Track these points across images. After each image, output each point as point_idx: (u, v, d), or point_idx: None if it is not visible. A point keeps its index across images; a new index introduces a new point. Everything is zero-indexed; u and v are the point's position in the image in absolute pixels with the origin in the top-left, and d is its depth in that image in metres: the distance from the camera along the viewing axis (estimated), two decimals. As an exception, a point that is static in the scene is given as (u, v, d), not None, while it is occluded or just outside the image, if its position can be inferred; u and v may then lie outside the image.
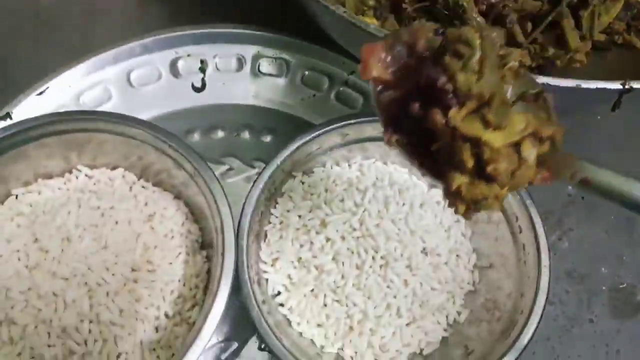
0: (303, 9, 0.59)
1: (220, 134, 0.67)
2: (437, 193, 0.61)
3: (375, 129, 0.58)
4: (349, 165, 0.61)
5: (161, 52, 0.68)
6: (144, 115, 0.66)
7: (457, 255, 0.58)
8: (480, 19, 0.60)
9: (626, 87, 0.48)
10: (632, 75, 0.65)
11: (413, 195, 0.59)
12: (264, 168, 0.54)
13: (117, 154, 0.55)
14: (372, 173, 0.60)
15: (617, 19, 0.69)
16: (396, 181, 0.60)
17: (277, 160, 0.54)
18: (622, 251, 0.65)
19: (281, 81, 0.70)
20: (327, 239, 0.55)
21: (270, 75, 0.70)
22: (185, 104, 0.68)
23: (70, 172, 0.55)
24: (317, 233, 0.55)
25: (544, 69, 0.67)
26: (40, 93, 0.62)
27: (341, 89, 0.69)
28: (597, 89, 0.48)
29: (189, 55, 0.69)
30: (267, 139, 0.67)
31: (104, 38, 0.74)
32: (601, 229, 0.67)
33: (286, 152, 0.54)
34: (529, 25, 0.67)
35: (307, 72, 0.69)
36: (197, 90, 0.68)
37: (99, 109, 0.65)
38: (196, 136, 0.67)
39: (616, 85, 0.48)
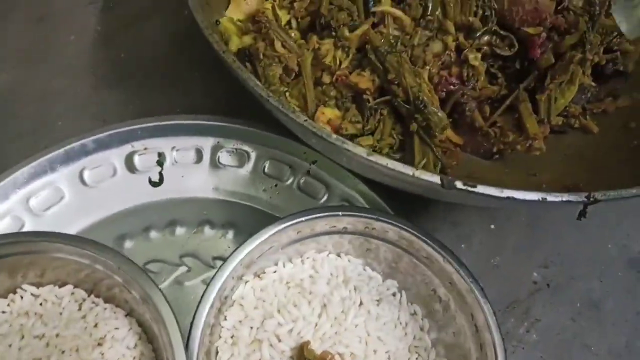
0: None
1: (179, 230, 0.65)
2: (392, 284, 0.60)
3: (328, 223, 0.57)
4: (302, 262, 0.59)
5: (116, 147, 0.66)
6: (99, 214, 0.64)
7: (418, 355, 0.57)
8: (440, 114, 0.59)
9: (591, 199, 0.47)
10: (590, 162, 0.66)
11: (369, 291, 0.58)
12: (213, 277, 0.51)
13: (66, 271, 0.52)
14: (326, 269, 0.59)
15: (573, 102, 0.70)
16: (351, 276, 0.58)
17: (227, 269, 0.52)
18: (589, 340, 0.65)
19: (242, 172, 0.68)
20: (282, 352, 0.53)
21: (230, 166, 0.68)
22: (142, 200, 0.66)
23: (15, 292, 0.52)
24: (271, 346, 0.53)
25: (503, 152, 0.67)
26: (-14, 199, 0.59)
27: (303, 179, 0.68)
28: (562, 201, 0.47)
29: (145, 149, 0.67)
30: (229, 234, 0.65)
31: (58, 126, 0.72)
32: (568, 316, 0.66)
33: (237, 258, 0.52)
34: (487, 109, 0.68)
35: (268, 162, 0.68)
36: (155, 184, 0.67)
37: (50, 211, 0.62)
38: (154, 233, 0.65)
39: (581, 198, 0.48)
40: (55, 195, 0.63)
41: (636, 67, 0.68)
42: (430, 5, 0.65)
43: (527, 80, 0.66)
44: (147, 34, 0.82)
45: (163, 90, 0.75)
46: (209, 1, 0.65)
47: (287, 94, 0.60)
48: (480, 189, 0.47)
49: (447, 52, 0.67)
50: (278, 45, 0.59)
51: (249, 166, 0.68)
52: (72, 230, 0.62)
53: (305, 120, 0.49)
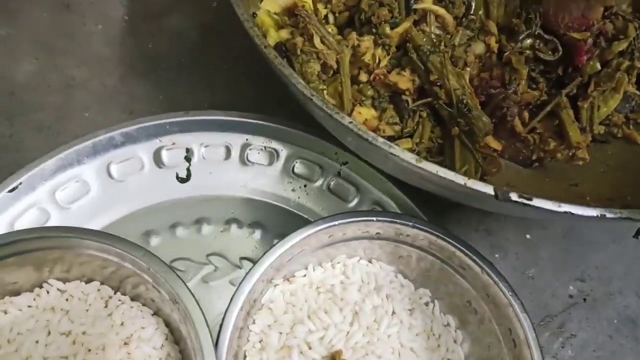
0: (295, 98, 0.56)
1: (206, 228, 0.63)
2: (425, 293, 0.58)
3: (360, 228, 0.55)
4: (332, 266, 0.57)
5: (144, 141, 0.64)
6: (126, 209, 0.63)
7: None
8: (485, 118, 0.57)
9: None
10: (635, 174, 0.63)
11: (402, 300, 0.56)
12: (243, 280, 0.50)
13: (93, 267, 0.50)
14: (357, 275, 0.57)
15: (616, 110, 0.67)
16: (383, 284, 0.56)
17: (258, 272, 0.50)
18: (627, 358, 0.62)
19: (271, 171, 0.66)
20: (313, 360, 0.51)
21: (259, 164, 0.66)
22: (169, 196, 0.64)
23: (41, 286, 0.51)
24: (302, 353, 0.51)
25: (543, 161, 0.64)
26: (12, 189, 0.58)
27: (333, 180, 0.66)
28: (621, 218, 0.45)
29: (173, 144, 0.65)
30: (256, 234, 0.64)
31: (84, 117, 0.70)
32: (605, 333, 0.64)
33: (267, 261, 0.51)
34: (526, 115, 0.65)
35: (297, 162, 0.66)
36: (182, 180, 0.65)
37: (76, 204, 0.61)
38: (181, 231, 0.63)
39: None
40: (82, 189, 0.61)
41: None
42: (473, 4, 0.63)
43: (570, 86, 0.64)
44: (175, 25, 0.80)
45: (190, 84, 0.74)
46: None
47: (324, 92, 0.58)
48: (537, 202, 0.44)
49: (488, 53, 0.64)
50: (317, 40, 0.57)
51: (279, 165, 0.66)
52: (98, 224, 0.60)
53: (351, 122, 0.47)
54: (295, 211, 0.65)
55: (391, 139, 0.59)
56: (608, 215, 0.45)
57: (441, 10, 0.61)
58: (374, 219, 0.54)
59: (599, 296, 0.64)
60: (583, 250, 0.67)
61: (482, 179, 0.59)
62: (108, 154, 0.63)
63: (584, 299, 0.64)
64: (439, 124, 0.59)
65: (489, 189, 0.45)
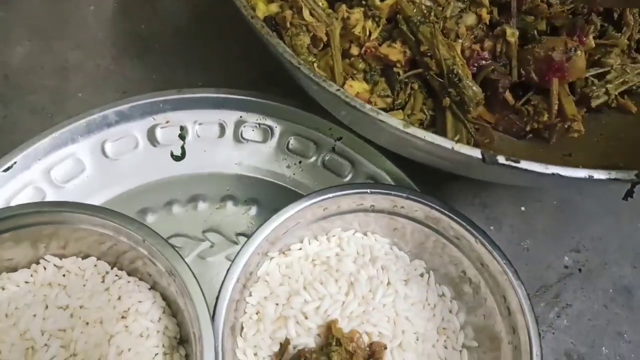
0: (287, 73, 0.56)
1: (202, 205, 0.64)
2: (420, 265, 0.58)
3: (354, 201, 0.55)
4: (328, 239, 0.58)
5: (138, 119, 0.64)
6: (121, 187, 0.63)
7: (446, 337, 0.55)
8: (476, 88, 0.57)
9: None
10: (628, 143, 0.63)
11: (397, 271, 0.56)
12: (238, 253, 0.50)
13: (89, 242, 0.51)
14: (352, 247, 0.57)
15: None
16: (378, 256, 0.57)
17: (253, 245, 0.50)
18: (622, 327, 0.63)
19: (265, 148, 0.66)
20: (309, 330, 0.51)
21: (254, 141, 0.66)
22: (164, 174, 0.64)
23: (38, 262, 0.51)
24: (298, 323, 0.51)
25: (540, 133, 0.64)
26: (7, 169, 0.58)
27: (328, 155, 0.66)
28: (609, 179, 0.45)
29: (167, 122, 0.65)
30: (252, 210, 0.64)
31: (78, 98, 0.71)
32: (600, 302, 0.64)
33: (262, 234, 0.51)
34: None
35: (292, 138, 0.66)
36: (177, 158, 0.65)
37: (71, 182, 0.61)
38: (177, 208, 0.63)
39: (630, 176, 0.45)
40: (77, 167, 0.61)
41: None
42: (464, -25, 0.63)
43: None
44: (168, 7, 0.80)
45: (183, 64, 0.74)
46: None
47: (315, 65, 0.58)
48: (524, 164, 0.45)
49: (479, 25, 0.64)
50: (306, 13, 0.57)
51: (273, 142, 0.66)
52: (93, 202, 0.60)
53: (338, 90, 0.47)
54: (291, 187, 0.65)
55: (383, 111, 0.59)
56: (596, 176, 0.45)
57: (432, -19, 0.61)
58: (368, 190, 0.54)
59: (594, 267, 0.65)
60: (578, 222, 0.67)
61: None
62: (102, 133, 0.63)
63: (579, 270, 0.64)
64: (430, 96, 0.59)
65: (476, 152, 0.45)
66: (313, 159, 0.66)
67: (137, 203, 0.62)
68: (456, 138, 0.56)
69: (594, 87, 0.62)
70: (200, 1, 0.81)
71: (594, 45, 0.61)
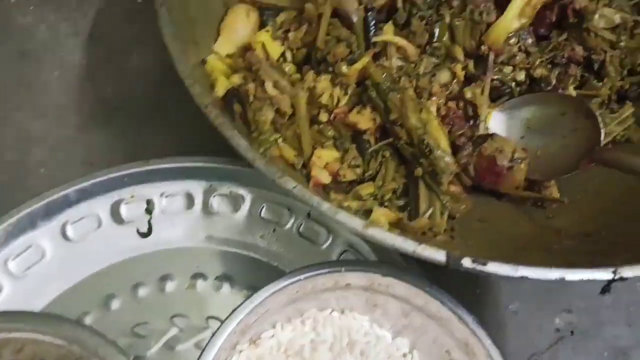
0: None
1: (170, 285, 0.61)
2: (402, 344, 0.55)
3: (329, 280, 0.52)
4: (302, 322, 0.54)
5: (101, 196, 0.61)
6: (85, 271, 0.60)
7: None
8: (448, 158, 0.54)
9: (616, 277, 0.42)
10: (611, 201, 0.60)
11: (377, 355, 0.53)
12: (202, 352, 0.47)
13: (44, 347, 0.47)
14: (329, 331, 0.54)
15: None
16: (357, 339, 0.53)
17: (219, 340, 0.47)
18: (620, 393, 0.59)
19: (237, 217, 0.63)
20: None
21: (224, 212, 0.63)
22: (130, 253, 0.61)
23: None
24: None
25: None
26: (-41, 261, 0.55)
27: (303, 222, 0.63)
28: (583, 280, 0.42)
29: (133, 197, 0.62)
30: (224, 288, 0.61)
31: (40, 174, 0.68)
32: (594, 368, 0.61)
33: (229, 328, 0.48)
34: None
35: (265, 206, 0.63)
36: (144, 235, 0.62)
37: (31, 270, 0.58)
38: (143, 291, 0.60)
39: (607, 275, 0.43)
40: (36, 254, 0.59)
41: None
42: (437, 31, 0.60)
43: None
44: (135, 66, 0.77)
45: (152, 129, 0.71)
46: (198, 40, 0.60)
47: (280, 139, 0.55)
48: (491, 267, 0.42)
49: (455, 80, 0.61)
50: (269, 86, 0.55)
51: (244, 210, 0.63)
52: (54, 291, 0.58)
53: (295, 187, 0.45)
54: (265, 260, 0.62)
55: (353, 183, 0.56)
56: (567, 277, 0.43)
57: (402, 41, 0.58)
58: (342, 269, 0.51)
59: (588, 328, 0.61)
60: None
61: (452, 218, 0.56)
62: (63, 214, 0.60)
63: (572, 332, 0.61)
64: (403, 163, 0.56)
65: (440, 256, 0.42)
66: (288, 226, 0.63)
67: (102, 287, 0.59)
68: (429, 211, 0.53)
69: None
70: (169, 60, 0.78)
71: (574, 95, 0.58)
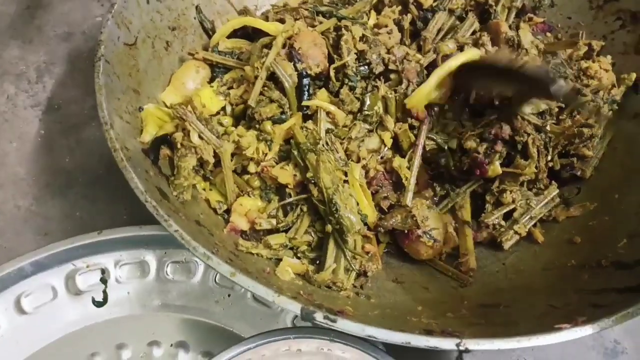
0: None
1: (126, 354, 0.61)
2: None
3: (280, 347, 0.53)
4: None
5: (56, 267, 0.63)
6: (40, 343, 0.61)
7: None
8: (354, 218, 0.58)
9: (461, 347, 0.43)
10: (523, 277, 0.61)
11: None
12: None
13: None
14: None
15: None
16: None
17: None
18: None
19: (192, 284, 0.65)
20: None
21: (179, 279, 0.65)
22: (85, 323, 0.62)
23: None
24: None
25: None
26: None
27: (257, 286, 0.65)
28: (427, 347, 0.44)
29: (88, 267, 0.64)
30: (179, 355, 0.62)
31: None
32: None
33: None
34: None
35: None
36: (99, 304, 0.63)
37: (-17, 346, 0.58)
38: (99, 360, 0.60)
39: (451, 345, 0.44)
40: (-12, 330, 0.58)
41: (594, 174, 0.66)
42: (367, 100, 0.65)
43: (469, 184, 0.65)
44: (93, 136, 0.80)
45: (107, 198, 0.73)
46: (139, 89, 0.63)
47: (207, 184, 0.61)
48: (340, 324, 0.45)
49: (385, 147, 0.66)
50: (194, 136, 0.58)
51: (199, 277, 0.65)
52: (8, 365, 0.57)
53: (176, 231, 0.49)
54: (220, 325, 0.63)
55: (269, 232, 0.60)
56: (413, 342, 0.44)
57: (331, 107, 0.63)
58: (291, 336, 0.53)
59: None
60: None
61: (365, 276, 0.59)
62: (17, 286, 0.61)
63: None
64: (320, 219, 0.60)
65: (295, 307, 0.45)
66: (242, 290, 0.65)
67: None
68: (333, 266, 0.57)
69: (502, 230, 0.62)
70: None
71: (500, 171, 0.62)
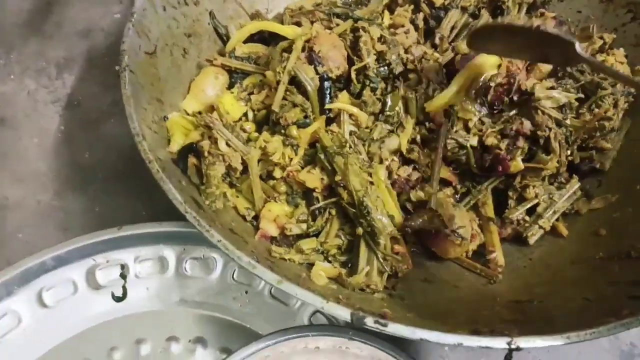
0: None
1: (144, 349, 0.62)
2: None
3: (298, 344, 0.54)
4: None
5: (77, 262, 0.63)
6: (60, 336, 0.61)
7: None
8: (385, 220, 0.58)
9: (512, 346, 0.43)
10: (552, 271, 0.61)
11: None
12: None
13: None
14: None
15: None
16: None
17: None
18: None
19: (210, 280, 0.66)
20: None
21: (197, 274, 0.65)
22: (105, 317, 0.63)
23: None
24: None
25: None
26: (-64, 332, 0.56)
27: (275, 284, 0.65)
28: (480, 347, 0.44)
29: (107, 262, 0.64)
30: (198, 352, 0.62)
31: (17, 239, 0.69)
32: None
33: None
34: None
35: (237, 268, 0.66)
36: (118, 299, 0.64)
37: (8, 337, 0.60)
38: (118, 355, 0.61)
39: (502, 345, 0.44)
40: (13, 321, 0.60)
41: (614, 166, 0.66)
42: (389, 101, 0.65)
43: (490, 180, 0.65)
44: (112, 132, 0.80)
45: (127, 193, 0.73)
46: (163, 99, 0.64)
47: (231, 192, 0.60)
48: (391, 328, 0.45)
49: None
50: (222, 144, 0.59)
51: (217, 273, 0.65)
52: (31, 357, 0.58)
53: (219, 241, 0.49)
54: (238, 321, 0.64)
55: (299, 237, 0.60)
56: (465, 343, 0.44)
57: (354, 109, 0.63)
58: (310, 334, 0.54)
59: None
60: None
61: (395, 277, 0.59)
62: (39, 280, 0.62)
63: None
64: (350, 222, 0.60)
65: (345, 313, 0.45)
66: (260, 287, 0.65)
67: (77, 354, 0.60)
68: (366, 269, 0.56)
69: (527, 225, 0.63)
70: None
71: (522, 167, 0.62)
